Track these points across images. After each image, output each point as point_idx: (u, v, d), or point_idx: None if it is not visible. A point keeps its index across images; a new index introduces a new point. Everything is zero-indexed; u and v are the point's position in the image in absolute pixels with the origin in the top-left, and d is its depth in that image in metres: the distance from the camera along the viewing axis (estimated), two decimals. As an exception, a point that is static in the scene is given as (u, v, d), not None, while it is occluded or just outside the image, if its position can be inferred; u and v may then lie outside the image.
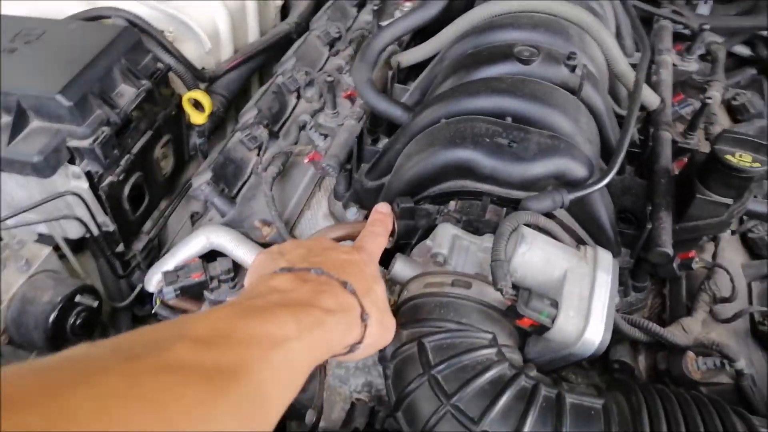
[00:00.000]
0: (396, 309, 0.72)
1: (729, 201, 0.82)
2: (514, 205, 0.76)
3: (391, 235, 0.78)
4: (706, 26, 1.19)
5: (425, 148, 0.81)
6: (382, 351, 0.69)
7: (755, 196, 0.89)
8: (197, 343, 0.40)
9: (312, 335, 0.49)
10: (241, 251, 0.95)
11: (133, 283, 1.20)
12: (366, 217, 1.00)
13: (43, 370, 0.34)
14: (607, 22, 1.13)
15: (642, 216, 0.92)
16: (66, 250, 1.09)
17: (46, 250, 1.02)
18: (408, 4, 1.37)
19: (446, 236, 0.72)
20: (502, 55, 0.90)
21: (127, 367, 0.36)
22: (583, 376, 0.82)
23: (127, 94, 1.03)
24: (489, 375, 0.61)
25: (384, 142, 1.10)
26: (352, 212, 1.02)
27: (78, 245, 1.15)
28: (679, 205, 0.87)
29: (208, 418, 0.37)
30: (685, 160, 1.04)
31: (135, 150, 1.06)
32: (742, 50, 1.48)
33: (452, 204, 0.79)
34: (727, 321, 0.85)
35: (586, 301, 0.64)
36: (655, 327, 0.78)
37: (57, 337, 0.97)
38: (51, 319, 0.95)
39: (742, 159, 0.77)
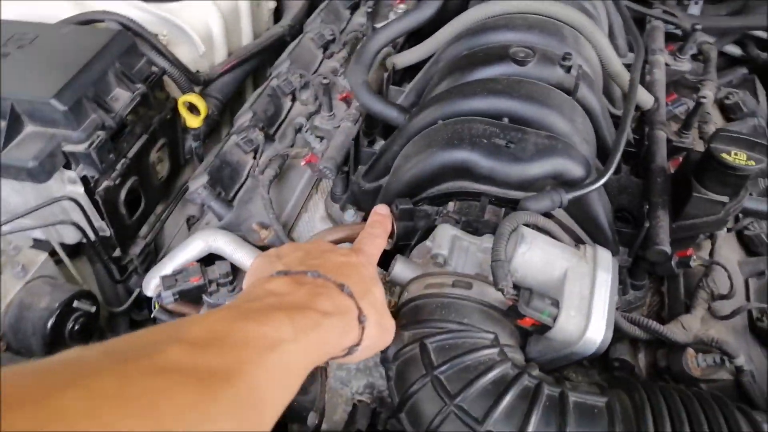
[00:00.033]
0: (397, 310, 0.72)
1: (725, 199, 0.83)
2: (513, 205, 0.76)
3: (391, 236, 0.78)
4: (699, 26, 1.20)
5: (423, 149, 0.81)
6: (384, 352, 0.69)
7: (750, 194, 0.90)
8: (191, 346, 0.40)
9: (308, 337, 0.49)
10: (240, 254, 0.94)
11: (130, 287, 1.20)
12: (364, 219, 1.00)
13: (35, 372, 0.34)
14: (601, 22, 1.13)
15: (639, 215, 0.93)
16: (63, 255, 1.08)
17: (43, 255, 1.01)
18: (402, 5, 1.37)
19: (446, 237, 0.73)
20: (497, 56, 0.90)
21: (119, 369, 0.36)
22: (584, 374, 0.82)
23: (122, 98, 1.03)
24: (492, 375, 0.61)
25: (380, 143, 1.10)
26: (350, 214, 1.02)
27: (74, 250, 1.14)
28: (676, 204, 0.88)
29: (200, 420, 0.37)
30: (680, 159, 1.05)
31: (131, 154, 1.05)
32: (733, 50, 1.49)
33: (451, 205, 0.79)
34: (726, 318, 0.85)
35: (586, 300, 0.64)
36: (654, 325, 0.78)
37: (55, 343, 0.96)
38: (49, 324, 0.95)
39: (737, 157, 0.78)
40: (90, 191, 0.99)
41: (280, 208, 1.06)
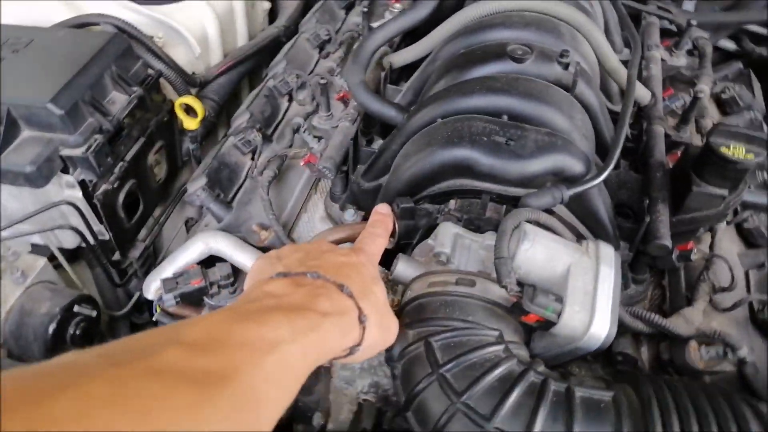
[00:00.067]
0: (400, 309, 0.72)
1: (725, 192, 0.83)
2: (514, 202, 0.77)
3: (392, 235, 0.78)
4: (694, 22, 1.20)
5: (423, 148, 0.81)
6: (389, 351, 0.69)
7: (749, 187, 0.91)
8: (188, 348, 0.40)
9: (307, 338, 0.49)
10: (240, 256, 0.94)
11: (130, 291, 1.19)
12: (364, 219, 1.00)
13: (30, 376, 0.34)
14: (597, 19, 1.14)
15: (639, 209, 0.93)
16: (62, 260, 1.07)
17: (42, 260, 1.01)
18: (398, 5, 1.37)
19: (448, 235, 0.73)
20: (495, 54, 0.90)
21: (114, 372, 0.36)
22: (587, 368, 0.83)
23: (118, 101, 1.02)
24: (498, 372, 0.61)
25: (378, 143, 1.10)
26: (350, 214, 1.01)
27: (73, 254, 1.14)
28: (675, 198, 0.88)
29: (195, 423, 0.37)
30: (678, 153, 1.06)
31: (128, 157, 1.05)
32: (728, 44, 1.50)
33: (452, 203, 0.79)
34: (728, 310, 0.86)
35: (590, 295, 0.64)
36: (657, 318, 0.78)
37: (57, 349, 0.96)
38: (50, 330, 0.94)
39: (736, 151, 0.79)
40: (88, 195, 0.99)
41: (279, 209, 1.05)
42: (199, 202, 1.02)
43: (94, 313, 1.03)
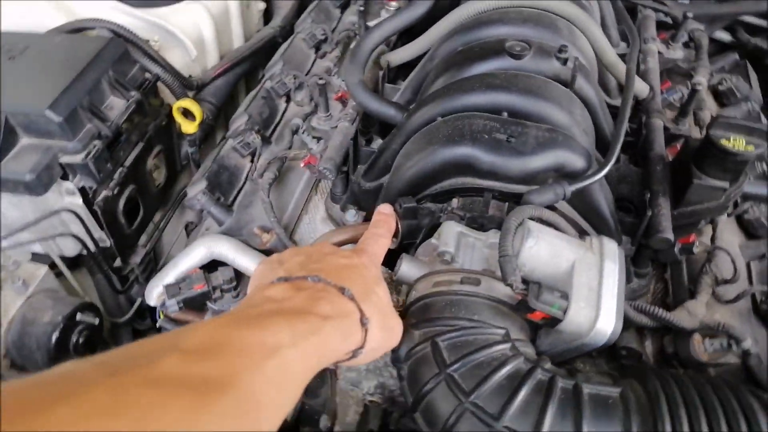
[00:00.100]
0: (405, 309, 0.72)
1: (725, 185, 0.83)
2: (516, 199, 0.76)
3: (395, 235, 0.78)
4: (690, 14, 1.20)
5: (424, 146, 0.81)
6: (395, 352, 0.68)
7: (749, 178, 0.91)
8: (187, 355, 0.40)
9: (307, 342, 0.48)
10: (243, 259, 0.94)
11: (132, 297, 1.19)
12: (366, 219, 1.00)
13: (28, 387, 0.34)
14: (593, 13, 1.13)
15: (640, 203, 0.93)
16: (63, 268, 1.07)
17: (43, 269, 1.00)
18: (394, 3, 1.37)
19: (452, 234, 0.72)
20: (493, 50, 0.90)
21: (112, 381, 0.35)
22: (591, 364, 0.82)
23: (116, 106, 1.02)
24: (505, 370, 0.61)
25: (377, 142, 1.10)
26: (351, 214, 1.01)
27: (73, 262, 1.13)
28: (676, 191, 0.88)
29: (194, 431, 0.36)
30: (678, 146, 1.06)
31: (128, 163, 1.05)
32: (723, 36, 1.50)
33: (455, 201, 0.79)
34: (731, 302, 0.86)
35: (595, 291, 0.64)
36: (661, 312, 0.79)
37: (60, 358, 0.95)
38: (53, 339, 0.93)
39: (736, 143, 0.79)
40: (89, 202, 0.98)
41: (280, 211, 1.05)
42: (200, 206, 1.01)
43: (96, 321, 1.03)
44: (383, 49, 1.17)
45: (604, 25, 1.18)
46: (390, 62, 1.12)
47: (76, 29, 1.13)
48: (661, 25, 1.36)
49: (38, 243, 1.00)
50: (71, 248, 1.05)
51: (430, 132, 0.82)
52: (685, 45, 1.33)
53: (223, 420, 0.38)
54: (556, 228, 0.71)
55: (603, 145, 0.93)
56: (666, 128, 1.03)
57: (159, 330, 0.96)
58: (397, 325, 0.65)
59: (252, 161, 1.12)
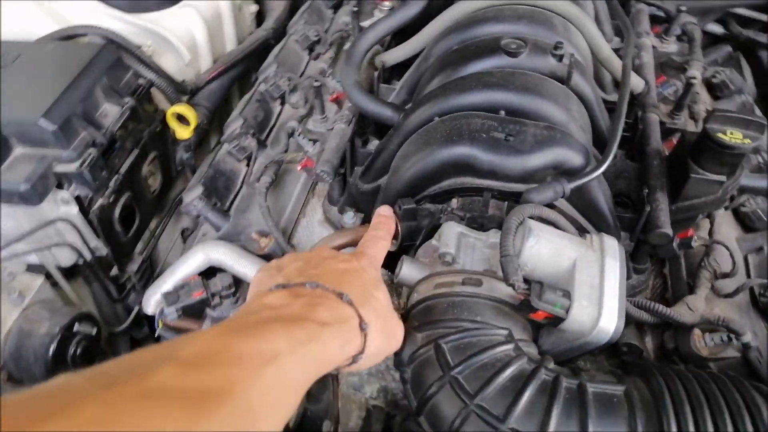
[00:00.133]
0: (407, 312, 0.72)
1: (722, 178, 0.83)
2: (515, 198, 0.76)
3: (395, 237, 0.77)
4: (684, 7, 1.21)
5: (422, 147, 0.81)
6: (398, 355, 0.68)
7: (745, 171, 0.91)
8: (183, 365, 0.40)
9: (305, 349, 0.48)
10: (241, 265, 0.93)
11: (129, 305, 1.18)
12: (363, 221, 1.00)
13: (21, 402, 0.34)
14: (587, 9, 1.13)
15: (637, 199, 0.93)
16: (59, 278, 1.06)
17: (39, 279, 0.99)
18: (387, 3, 1.36)
19: (452, 235, 0.72)
20: (489, 49, 0.90)
21: (106, 395, 0.35)
22: (593, 361, 0.83)
23: (111, 113, 1.01)
24: (509, 371, 0.61)
25: (374, 143, 1.09)
26: (349, 216, 1.01)
27: (69, 271, 1.12)
28: (673, 186, 0.88)
29: None
30: (674, 140, 1.06)
31: (123, 170, 1.04)
32: (715, 28, 1.50)
33: (454, 202, 0.78)
34: (730, 296, 0.86)
35: (597, 289, 0.64)
36: (661, 308, 0.79)
37: (58, 369, 0.94)
38: (51, 351, 0.92)
39: (733, 136, 0.79)
40: (84, 211, 0.98)
41: (278, 215, 1.05)
42: (196, 211, 1.01)
43: (94, 331, 1.02)
44: (378, 50, 1.16)
45: (597, 20, 1.18)
46: (385, 62, 1.12)
47: (68, 36, 1.12)
48: (653, 19, 1.36)
49: (34, 253, 0.99)
50: (67, 258, 1.04)
51: (428, 132, 0.82)
52: (678, 38, 1.34)
53: (221, 430, 0.38)
54: (556, 226, 0.71)
55: (600, 141, 0.93)
56: (662, 123, 1.03)
57: (158, 338, 0.95)
58: (398, 329, 0.65)
59: (248, 165, 1.12)
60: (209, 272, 0.96)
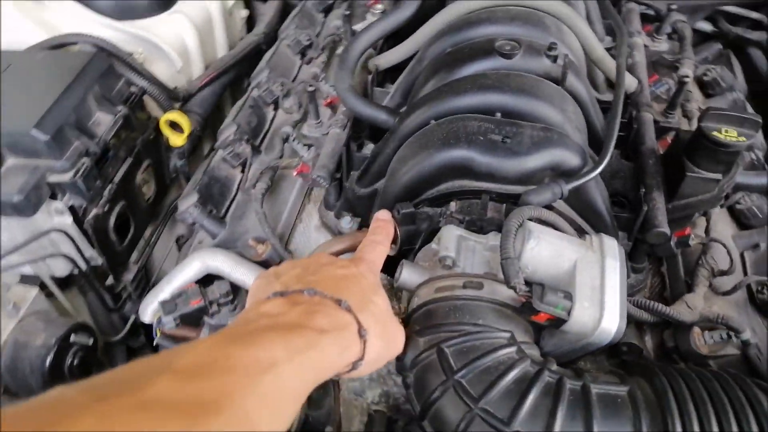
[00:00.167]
0: (408, 316, 0.72)
1: (718, 176, 0.84)
2: (513, 200, 0.76)
3: (394, 242, 0.77)
4: (674, 6, 1.21)
5: (419, 151, 0.81)
6: (400, 360, 0.68)
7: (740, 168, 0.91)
8: (179, 376, 0.39)
9: (303, 357, 0.48)
10: (239, 272, 0.93)
11: (125, 314, 1.17)
12: (360, 225, 0.99)
13: (16, 416, 0.33)
14: (578, 9, 1.14)
15: (634, 198, 0.94)
16: (54, 289, 1.05)
17: (34, 290, 0.98)
18: (379, 6, 1.36)
19: (452, 238, 0.72)
20: (483, 51, 0.90)
21: (100, 407, 0.35)
22: (592, 361, 0.83)
23: (104, 122, 1.00)
24: (513, 374, 0.60)
25: (369, 147, 1.09)
26: (346, 221, 1.01)
27: (64, 281, 1.11)
28: (669, 184, 0.89)
29: None
30: (668, 139, 1.06)
31: (117, 179, 1.03)
32: (705, 26, 1.51)
33: (453, 205, 0.78)
34: (728, 293, 0.86)
35: (598, 290, 0.64)
36: (661, 307, 0.79)
37: (55, 381, 0.93)
38: (47, 362, 0.91)
39: (728, 134, 0.79)
40: (79, 221, 0.96)
41: (274, 221, 1.04)
42: (192, 219, 1.00)
43: (90, 341, 1.01)
44: (371, 53, 1.16)
45: (588, 20, 1.19)
46: (378, 66, 1.11)
47: (58, 45, 1.11)
48: (643, 18, 1.37)
49: (28, 264, 0.98)
50: (62, 268, 1.02)
51: (425, 135, 0.82)
52: (669, 36, 1.35)
53: None
54: (555, 227, 0.71)
55: (595, 141, 0.93)
56: (656, 121, 1.04)
57: (156, 347, 0.94)
58: (398, 334, 0.64)
59: (243, 172, 1.11)
60: (206, 279, 0.95)
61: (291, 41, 1.37)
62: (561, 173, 0.77)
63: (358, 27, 1.30)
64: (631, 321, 0.82)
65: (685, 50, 1.26)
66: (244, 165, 1.11)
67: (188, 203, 1.00)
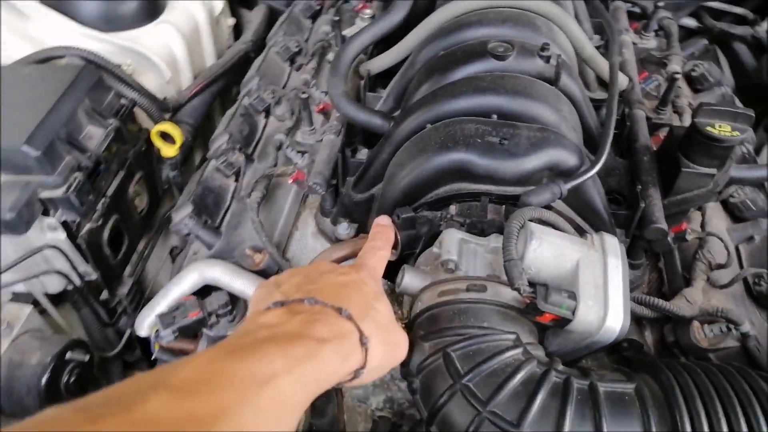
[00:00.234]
0: (411, 321, 0.71)
1: (713, 171, 0.85)
2: (513, 201, 0.76)
3: (395, 247, 0.77)
4: (661, 3, 1.23)
5: (417, 155, 0.80)
6: (405, 366, 0.67)
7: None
8: (175, 392, 0.39)
9: (303, 367, 0.47)
10: (238, 282, 0.92)
11: (120, 329, 1.15)
12: (358, 231, 0.99)
13: None
14: (567, 8, 1.14)
15: (630, 195, 0.94)
16: (48, 305, 1.03)
17: (27, 308, 0.96)
18: (367, 10, 1.36)
19: (453, 242, 0.72)
20: (476, 53, 0.90)
21: (95, 427, 0.34)
22: (593, 359, 0.83)
23: (95, 135, 0.99)
24: (520, 376, 0.60)
25: (363, 152, 1.09)
26: (343, 227, 1.00)
27: (56, 297, 1.09)
28: (664, 180, 0.89)
29: None
30: (660, 135, 1.07)
31: (109, 192, 1.01)
32: (689, 22, 1.53)
33: (452, 208, 0.78)
34: (725, 286, 0.87)
35: (601, 288, 0.64)
36: (661, 303, 0.79)
37: (52, 399, 0.91)
38: (43, 381, 0.90)
39: (722, 129, 0.80)
40: (72, 236, 0.95)
41: (270, 229, 1.03)
42: (188, 230, 0.99)
43: (86, 358, 0.99)
44: (362, 58, 1.16)
45: (577, 19, 1.19)
46: (370, 71, 1.11)
47: (45, 59, 1.09)
48: (629, 15, 1.38)
49: (21, 282, 0.96)
50: (55, 284, 1.01)
51: (422, 139, 0.82)
52: (655, 33, 1.36)
53: None
54: (556, 227, 0.71)
55: (589, 139, 0.93)
56: (648, 118, 1.05)
57: (154, 361, 0.93)
58: (401, 340, 0.64)
59: (236, 181, 1.10)
60: (203, 291, 0.94)
61: (280, 48, 1.36)
62: (559, 173, 0.77)
63: (347, 32, 1.30)
64: (632, 317, 0.82)
65: (672, 47, 1.28)
66: (237, 174, 1.10)
67: (183, 214, 0.99)
